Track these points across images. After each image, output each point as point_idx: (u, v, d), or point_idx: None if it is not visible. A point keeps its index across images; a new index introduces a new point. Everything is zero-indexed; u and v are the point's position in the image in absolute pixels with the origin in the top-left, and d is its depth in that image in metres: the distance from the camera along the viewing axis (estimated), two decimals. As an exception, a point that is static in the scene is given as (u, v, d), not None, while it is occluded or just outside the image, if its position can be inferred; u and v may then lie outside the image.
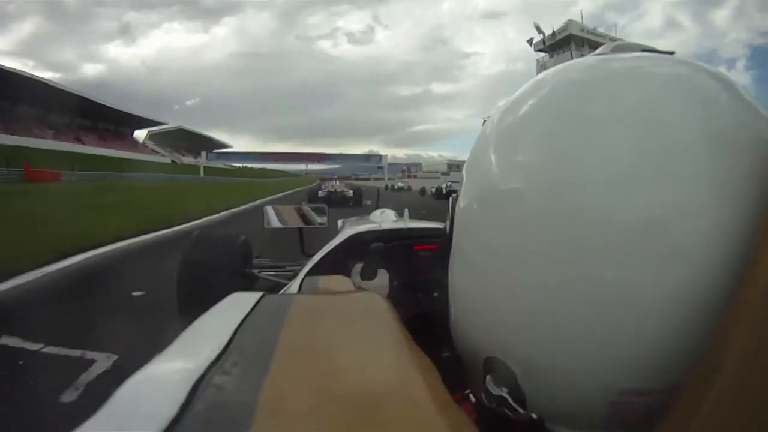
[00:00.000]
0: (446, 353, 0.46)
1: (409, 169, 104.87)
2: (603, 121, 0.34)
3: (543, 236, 0.33)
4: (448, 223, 0.48)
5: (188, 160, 62.65)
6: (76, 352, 2.06)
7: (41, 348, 2.10)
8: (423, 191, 27.94)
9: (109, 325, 2.40)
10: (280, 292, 0.93)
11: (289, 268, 1.94)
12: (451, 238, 0.45)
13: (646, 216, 0.30)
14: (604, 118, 0.34)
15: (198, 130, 72.05)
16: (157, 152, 57.07)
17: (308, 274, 1.10)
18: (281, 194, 19.21)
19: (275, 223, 1.90)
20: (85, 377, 1.84)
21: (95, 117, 45.38)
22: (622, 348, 0.31)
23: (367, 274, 1.01)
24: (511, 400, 0.36)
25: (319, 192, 14.32)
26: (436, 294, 0.95)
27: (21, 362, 1.98)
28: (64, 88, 39.37)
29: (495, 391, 0.37)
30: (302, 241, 1.95)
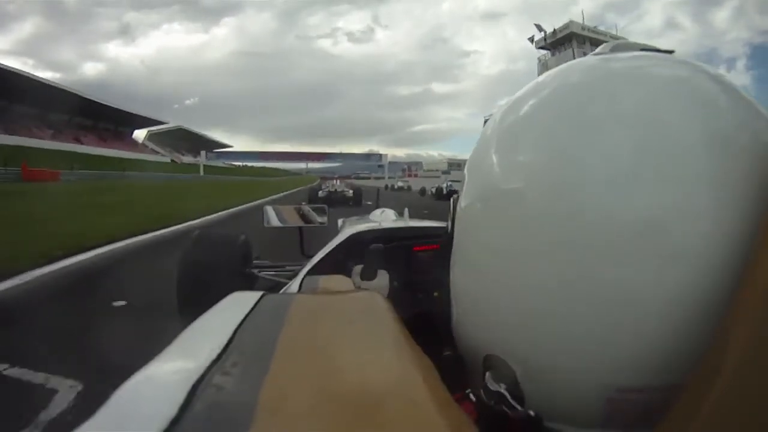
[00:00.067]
0: (447, 352, 0.47)
1: (410, 168, 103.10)
2: (604, 122, 0.34)
3: (544, 236, 0.33)
4: (449, 222, 0.48)
5: (188, 159, 62.64)
6: (39, 377, 1.79)
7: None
8: (423, 191, 27.90)
9: (80, 344, 2.15)
10: (280, 292, 0.93)
11: (288, 268, 1.94)
12: (452, 238, 0.45)
13: (647, 216, 0.30)
14: (605, 118, 0.34)
15: (198, 131, 72.03)
16: (156, 152, 57.06)
17: (308, 274, 1.10)
18: (281, 194, 19.17)
19: (275, 222, 1.90)
20: (45, 415, 1.54)
21: (95, 117, 45.36)
22: (622, 348, 0.31)
23: (367, 275, 1.01)
24: (509, 397, 0.36)
25: (320, 192, 14.31)
26: (436, 294, 0.96)
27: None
28: (64, 88, 39.37)
29: (494, 387, 0.37)
30: (302, 241, 1.95)
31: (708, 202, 0.30)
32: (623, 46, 0.42)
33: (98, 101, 42.41)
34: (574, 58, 0.46)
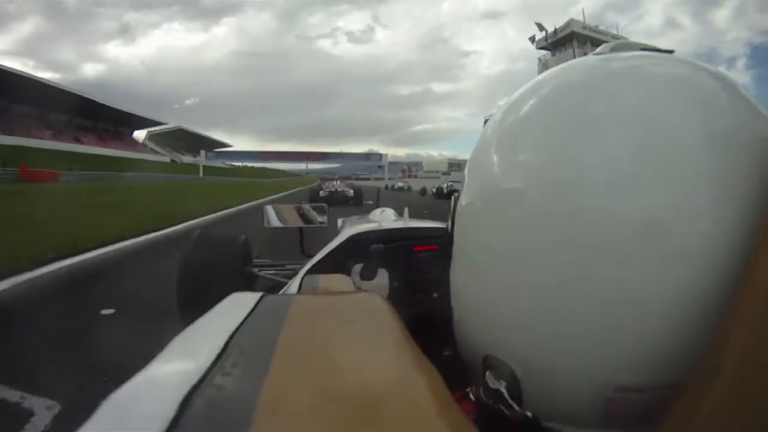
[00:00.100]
0: (448, 351, 0.47)
1: (410, 168, 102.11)
2: (603, 121, 0.34)
3: (543, 236, 0.33)
4: (449, 222, 0.48)
5: (188, 159, 62.63)
6: (15, 395, 1.63)
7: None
8: (423, 191, 28.01)
9: (64, 357, 1.99)
10: (281, 292, 0.93)
11: (289, 267, 1.93)
12: (452, 238, 0.45)
13: (647, 216, 0.30)
14: (605, 118, 0.34)
15: (197, 131, 72.03)
16: (156, 152, 57.07)
17: (308, 273, 1.10)
18: (281, 194, 19.17)
19: (275, 222, 1.89)
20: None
21: (94, 117, 45.33)
22: (621, 348, 0.31)
23: (367, 274, 1.01)
24: (507, 396, 0.36)
25: (321, 192, 14.41)
26: (435, 294, 0.96)
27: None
28: (64, 88, 39.35)
29: (493, 384, 0.37)
30: (302, 241, 1.94)
31: (708, 202, 0.30)
32: (623, 45, 0.42)
33: (98, 101, 42.40)
34: (575, 58, 0.46)
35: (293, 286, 0.94)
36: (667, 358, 0.31)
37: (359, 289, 0.68)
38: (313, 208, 1.96)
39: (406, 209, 1.72)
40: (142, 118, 52.69)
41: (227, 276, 1.63)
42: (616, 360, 0.32)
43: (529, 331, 0.35)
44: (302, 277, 0.95)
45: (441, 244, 0.52)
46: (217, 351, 0.26)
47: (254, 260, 1.98)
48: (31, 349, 2.09)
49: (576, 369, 0.33)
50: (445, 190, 22.19)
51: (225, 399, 0.22)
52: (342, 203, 12.49)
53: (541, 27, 38.56)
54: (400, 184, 39.59)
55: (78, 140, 41.45)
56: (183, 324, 0.32)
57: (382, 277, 1.03)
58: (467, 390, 0.41)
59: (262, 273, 1.88)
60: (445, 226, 0.53)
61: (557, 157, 0.34)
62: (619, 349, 0.31)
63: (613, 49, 0.42)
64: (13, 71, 31.88)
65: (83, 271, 3.72)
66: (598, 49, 0.44)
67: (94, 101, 41.87)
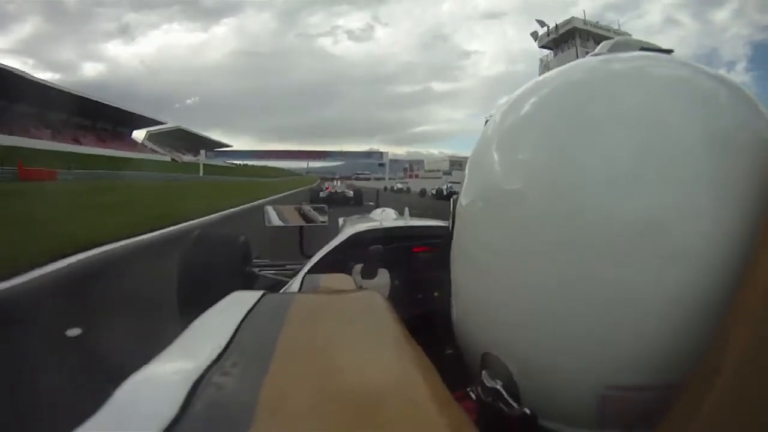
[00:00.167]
0: (449, 350, 0.47)
1: (411, 167, 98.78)
2: (604, 122, 0.34)
3: (543, 236, 0.33)
4: (450, 221, 0.48)
5: (188, 158, 62.55)
6: None
7: None
8: (423, 192, 28.03)
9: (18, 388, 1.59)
10: (281, 291, 0.93)
11: (289, 267, 1.93)
12: (453, 237, 0.45)
13: (647, 216, 0.30)
14: (605, 118, 0.34)
15: (197, 131, 71.92)
16: (156, 151, 56.99)
17: (309, 272, 1.10)
18: (281, 195, 19.12)
19: (276, 221, 1.90)
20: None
21: (93, 117, 45.26)
22: (621, 348, 0.31)
23: (368, 273, 1.01)
24: (505, 394, 0.36)
25: (321, 193, 14.42)
26: (436, 293, 0.96)
27: None
28: (63, 88, 39.31)
29: (490, 383, 0.37)
30: (302, 241, 1.95)
31: (708, 202, 0.30)
32: (623, 44, 0.42)
33: (96, 100, 42.33)
34: (577, 57, 0.46)
35: (294, 285, 0.94)
36: (667, 358, 0.31)
37: (360, 288, 0.68)
38: (314, 208, 1.96)
39: (407, 209, 1.72)
40: (142, 116, 52.55)
41: (227, 276, 1.63)
42: (616, 360, 0.32)
43: (529, 331, 0.35)
44: (303, 277, 0.95)
45: (441, 243, 0.52)
46: (218, 350, 0.26)
47: (254, 260, 1.98)
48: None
49: (576, 369, 0.33)
50: (444, 191, 22.09)
51: (225, 398, 0.22)
52: (342, 204, 12.55)
53: (542, 23, 38.37)
54: (399, 185, 39.16)
55: (77, 140, 41.40)
56: (181, 326, 0.32)
57: (383, 275, 1.03)
58: (468, 389, 0.42)
59: (262, 273, 1.88)
60: (445, 225, 0.53)
61: (557, 157, 0.34)
62: (619, 349, 0.31)
63: (612, 48, 0.42)
64: (11, 71, 31.84)
65: (69, 275, 3.41)
66: (598, 49, 0.44)
67: (93, 100, 41.79)
